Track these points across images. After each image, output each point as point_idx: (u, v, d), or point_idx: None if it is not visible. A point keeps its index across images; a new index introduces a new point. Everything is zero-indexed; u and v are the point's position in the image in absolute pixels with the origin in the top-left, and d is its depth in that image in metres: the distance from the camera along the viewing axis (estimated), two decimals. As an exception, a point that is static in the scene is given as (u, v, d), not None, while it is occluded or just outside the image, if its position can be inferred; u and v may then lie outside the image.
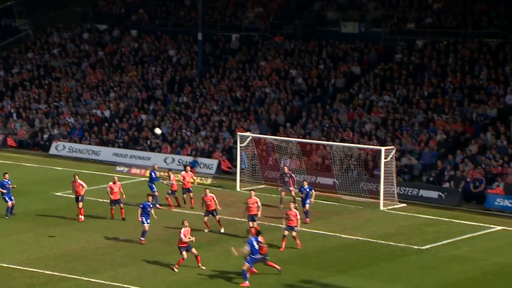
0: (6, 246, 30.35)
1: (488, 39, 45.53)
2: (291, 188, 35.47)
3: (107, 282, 26.33)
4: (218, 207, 31.85)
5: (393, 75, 45.85)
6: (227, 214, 34.32)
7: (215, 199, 31.77)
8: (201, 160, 43.91)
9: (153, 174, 36.23)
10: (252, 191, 31.99)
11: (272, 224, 32.79)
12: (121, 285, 26.05)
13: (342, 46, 49.23)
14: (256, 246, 25.83)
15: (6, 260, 28.55)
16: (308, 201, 32.78)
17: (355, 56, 48.22)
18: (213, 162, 43.58)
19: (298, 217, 29.35)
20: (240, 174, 39.77)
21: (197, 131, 46.53)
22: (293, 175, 36.19)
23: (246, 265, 25.68)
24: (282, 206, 34.92)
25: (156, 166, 37.28)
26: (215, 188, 39.92)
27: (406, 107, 43.46)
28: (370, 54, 48.02)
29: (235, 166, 40.66)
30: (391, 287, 26.15)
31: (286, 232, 29.43)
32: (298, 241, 29.71)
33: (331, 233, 32.01)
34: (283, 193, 35.56)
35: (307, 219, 32.76)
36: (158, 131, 27.88)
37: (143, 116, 48.96)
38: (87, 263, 28.20)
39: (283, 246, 29.42)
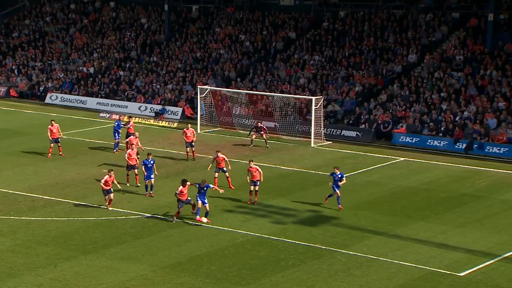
0: (11, 176, 29.89)
1: (395, 10, 45.58)
2: (262, 132, 35.12)
3: (95, 205, 26.15)
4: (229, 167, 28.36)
5: (321, 39, 45.72)
6: (191, 151, 34.12)
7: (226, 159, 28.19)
8: (168, 108, 43.55)
9: (117, 123, 33.54)
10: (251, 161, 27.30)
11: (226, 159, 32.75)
12: (106, 207, 25.90)
13: (281, 16, 48.79)
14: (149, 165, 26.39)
15: (12, 187, 28.15)
16: (339, 187, 25.92)
17: (291, 24, 47.89)
18: (178, 110, 43.23)
19: (260, 170, 26.71)
20: (200, 119, 39.54)
21: (165, 84, 46.03)
22: (264, 126, 35.73)
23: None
24: (252, 145, 35.03)
25: (121, 117, 35.16)
26: (180, 130, 39.74)
27: (331, 65, 43.48)
28: (303, 22, 47.73)
29: (196, 113, 40.43)
30: (319, 206, 26.44)
31: (251, 187, 26.55)
32: (256, 197, 26.54)
33: (273, 165, 32.16)
34: (254, 136, 35.29)
35: (340, 206, 25.94)
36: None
37: (121, 72, 48.29)
38: (78, 190, 27.95)
39: (251, 199, 26.89)
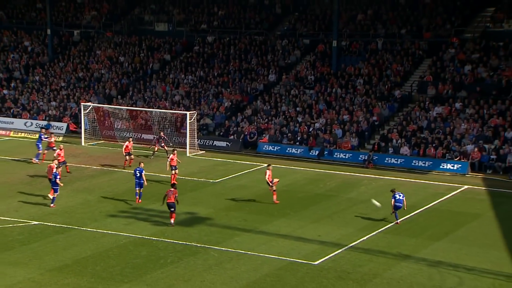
0: None
1: (256, 36, 46.64)
2: (163, 144, 34.71)
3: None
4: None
5: (193, 61, 45.87)
6: (75, 163, 32.98)
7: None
8: (53, 123, 41.83)
9: (42, 136, 33.55)
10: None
11: (109, 168, 31.98)
12: (-7, 218, 24.41)
13: (156, 40, 48.45)
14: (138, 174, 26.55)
15: None
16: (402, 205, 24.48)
17: (166, 47, 47.67)
18: (63, 125, 41.67)
19: (179, 160, 29.21)
20: (84, 133, 38.31)
21: (49, 101, 44.18)
22: (166, 138, 35.29)
23: None
24: (153, 157, 34.19)
25: (43, 130, 34.92)
26: (65, 143, 38.23)
27: (203, 84, 43.72)
28: (176, 46, 47.67)
29: (80, 127, 39.12)
30: (195, 208, 26.40)
31: (172, 171, 29.03)
32: (175, 178, 29.12)
33: (153, 173, 31.59)
34: (156, 148, 34.68)
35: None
36: (377, 203, 24.03)
37: (5, 91, 45.77)
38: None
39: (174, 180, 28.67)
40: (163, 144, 34.95)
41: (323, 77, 42.08)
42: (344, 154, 35.87)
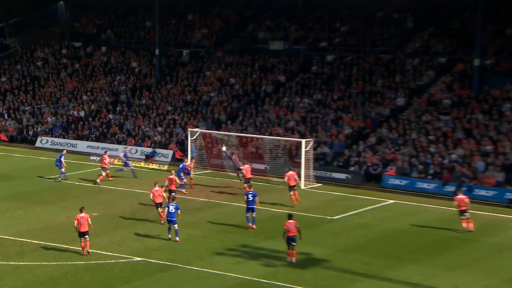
0: (0, 220, 29.56)
1: (382, 55, 46.16)
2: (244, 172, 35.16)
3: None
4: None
5: (310, 82, 46.17)
6: (180, 194, 34.01)
7: None
8: (159, 150, 43.53)
9: (182, 165, 35.23)
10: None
11: (216, 201, 32.74)
12: (95, 251, 25.62)
13: (270, 60, 49.33)
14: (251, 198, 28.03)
15: (0, 232, 27.81)
16: None
17: (281, 67, 48.39)
18: (169, 152, 43.24)
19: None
20: (191, 162, 39.46)
21: (155, 127, 46.12)
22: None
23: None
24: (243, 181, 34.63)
25: (185, 160, 36.65)
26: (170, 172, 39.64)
27: (320, 108, 43.81)
28: (292, 66, 48.25)
29: (186, 155, 40.39)
30: (310, 249, 26.22)
31: (291, 192, 31.67)
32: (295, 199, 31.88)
33: (263, 208, 31.92)
34: (241, 175, 35.34)
35: None
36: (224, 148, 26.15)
37: (111, 116, 48.38)
38: (67, 234, 27.62)
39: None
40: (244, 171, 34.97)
41: (461, 101, 40.74)
42: (487, 191, 34.41)
